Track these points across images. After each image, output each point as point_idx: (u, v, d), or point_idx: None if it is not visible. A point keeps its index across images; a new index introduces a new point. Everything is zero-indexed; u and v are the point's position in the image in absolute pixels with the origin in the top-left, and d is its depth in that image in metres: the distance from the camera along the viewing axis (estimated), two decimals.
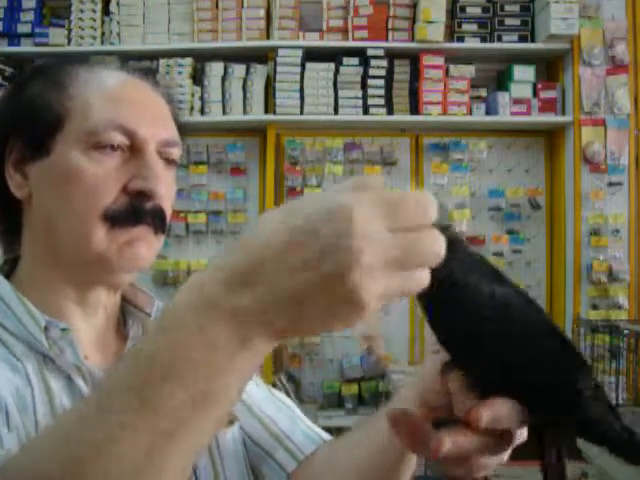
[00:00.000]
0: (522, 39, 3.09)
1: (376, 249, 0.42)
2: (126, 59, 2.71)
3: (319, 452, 0.86)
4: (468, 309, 0.53)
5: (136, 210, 0.75)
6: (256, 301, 0.43)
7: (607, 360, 2.59)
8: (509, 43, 3.09)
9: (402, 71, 3.09)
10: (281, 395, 0.94)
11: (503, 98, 3.06)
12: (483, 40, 3.09)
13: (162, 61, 3.09)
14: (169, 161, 0.80)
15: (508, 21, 3.10)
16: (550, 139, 3.22)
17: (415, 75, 3.07)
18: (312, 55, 3.07)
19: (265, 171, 3.13)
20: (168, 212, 0.79)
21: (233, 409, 0.81)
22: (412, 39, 3.07)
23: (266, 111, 3.09)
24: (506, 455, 0.59)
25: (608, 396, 0.58)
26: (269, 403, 0.90)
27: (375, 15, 3.08)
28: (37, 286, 0.77)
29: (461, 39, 3.09)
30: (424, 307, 0.55)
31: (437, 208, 0.45)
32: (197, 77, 3.12)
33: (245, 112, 3.09)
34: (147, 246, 0.77)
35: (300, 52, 3.05)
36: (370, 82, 3.06)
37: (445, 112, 3.06)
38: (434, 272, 0.46)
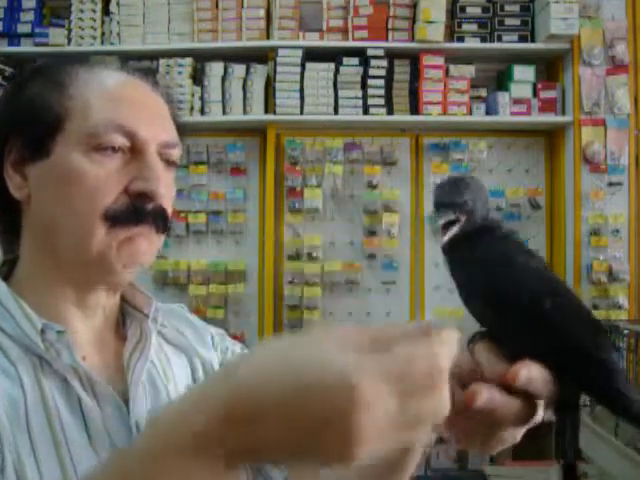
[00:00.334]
0: (522, 39, 3.09)
1: (378, 422, 0.42)
2: (126, 59, 2.70)
3: None
4: (520, 282, 0.61)
5: (137, 210, 0.75)
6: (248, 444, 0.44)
7: None
8: (509, 43, 3.08)
9: (402, 71, 3.09)
10: None
11: (503, 98, 3.06)
12: (483, 40, 3.09)
13: (162, 61, 3.08)
14: (169, 162, 0.80)
15: (508, 21, 3.10)
16: (550, 139, 3.21)
17: (415, 75, 3.07)
18: (312, 55, 3.07)
19: (265, 171, 3.13)
20: (169, 213, 0.79)
21: None
22: (412, 39, 3.07)
23: (266, 111, 3.09)
24: (521, 433, 0.62)
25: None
26: None
27: (375, 15, 3.08)
28: (36, 287, 0.77)
29: (461, 39, 3.09)
30: (466, 282, 0.63)
31: (456, 342, 0.46)
32: (197, 77, 3.11)
33: (245, 112, 3.08)
34: (148, 243, 0.76)
35: (300, 52, 3.04)
36: (370, 82, 3.05)
37: (445, 112, 3.06)
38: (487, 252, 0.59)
